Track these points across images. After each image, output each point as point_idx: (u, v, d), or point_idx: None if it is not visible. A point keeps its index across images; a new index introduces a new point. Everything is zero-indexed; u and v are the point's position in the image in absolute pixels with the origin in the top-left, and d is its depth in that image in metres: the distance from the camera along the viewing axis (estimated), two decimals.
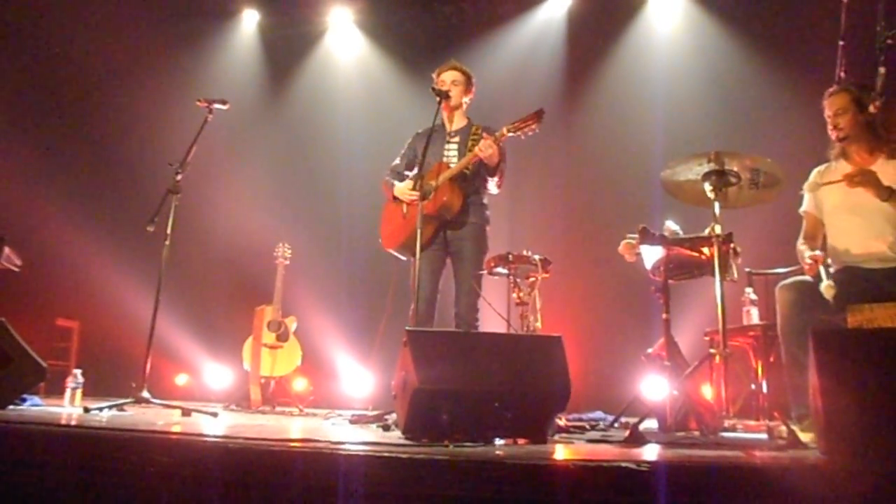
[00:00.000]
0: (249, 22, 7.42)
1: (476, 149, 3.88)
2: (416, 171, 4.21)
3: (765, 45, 5.94)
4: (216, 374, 6.40)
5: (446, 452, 2.03)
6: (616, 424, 4.05)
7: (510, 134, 3.87)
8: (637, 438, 2.87)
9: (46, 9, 6.42)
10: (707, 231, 3.36)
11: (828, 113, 3.31)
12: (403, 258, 4.19)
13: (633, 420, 3.09)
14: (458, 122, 4.22)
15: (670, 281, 3.72)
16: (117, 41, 6.53)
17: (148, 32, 6.66)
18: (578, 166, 6.30)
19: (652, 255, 3.72)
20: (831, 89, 3.35)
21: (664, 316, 3.64)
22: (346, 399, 5.92)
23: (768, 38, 5.95)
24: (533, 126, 3.82)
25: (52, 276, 6.25)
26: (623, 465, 1.89)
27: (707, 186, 3.16)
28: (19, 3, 6.36)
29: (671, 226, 3.73)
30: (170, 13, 6.93)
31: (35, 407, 3.82)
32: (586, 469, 1.87)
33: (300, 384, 5.66)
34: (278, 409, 5.17)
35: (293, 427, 3.41)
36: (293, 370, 5.52)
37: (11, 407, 3.46)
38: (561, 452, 2.35)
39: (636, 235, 3.61)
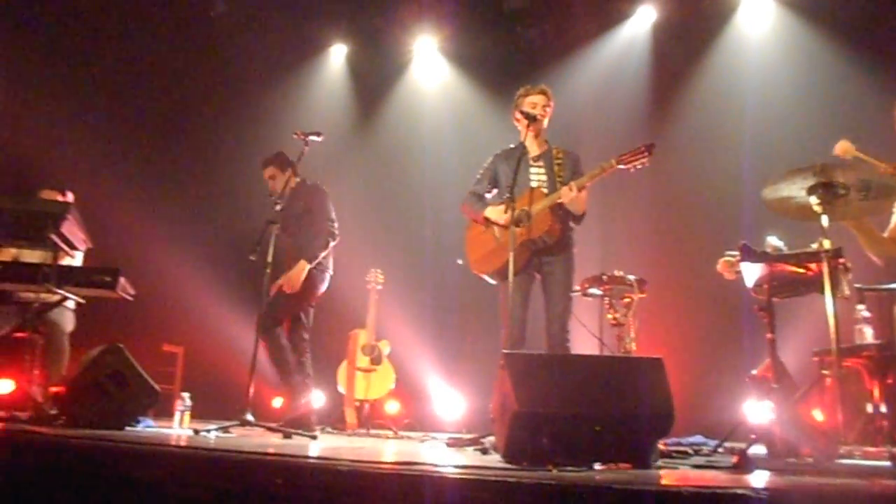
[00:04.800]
0: (338, 56, 7.69)
1: (562, 193, 3.86)
2: (496, 192, 4.24)
3: (860, 48, 5.66)
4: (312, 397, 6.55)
5: (552, 477, 2.01)
6: (720, 449, 3.89)
7: (619, 166, 3.81)
8: (747, 464, 2.75)
9: (157, 45, 6.85)
10: (814, 246, 3.21)
11: None
12: (494, 282, 4.18)
13: (737, 445, 2.96)
14: (541, 145, 4.21)
15: (774, 299, 3.56)
16: (220, 76, 6.89)
17: (248, 67, 6.99)
18: (670, 183, 6.16)
19: (753, 272, 3.57)
20: None
21: (769, 336, 3.48)
22: (439, 422, 5.94)
23: (863, 40, 5.66)
24: (643, 159, 3.74)
25: (159, 303, 6.58)
26: (738, 491, 1.81)
27: (814, 200, 3.03)
28: (134, 38, 6.80)
29: (773, 241, 3.58)
30: (266, 50, 7.26)
31: (148, 428, 4.02)
32: (699, 496, 1.80)
33: (393, 407, 5.73)
34: (373, 431, 5.25)
35: (392, 450, 3.46)
36: (386, 393, 5.59)
37: (128, 428, 3.66)
38: (670, 478, 2.28)
39: (736, 252, 3.49)
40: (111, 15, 6.79)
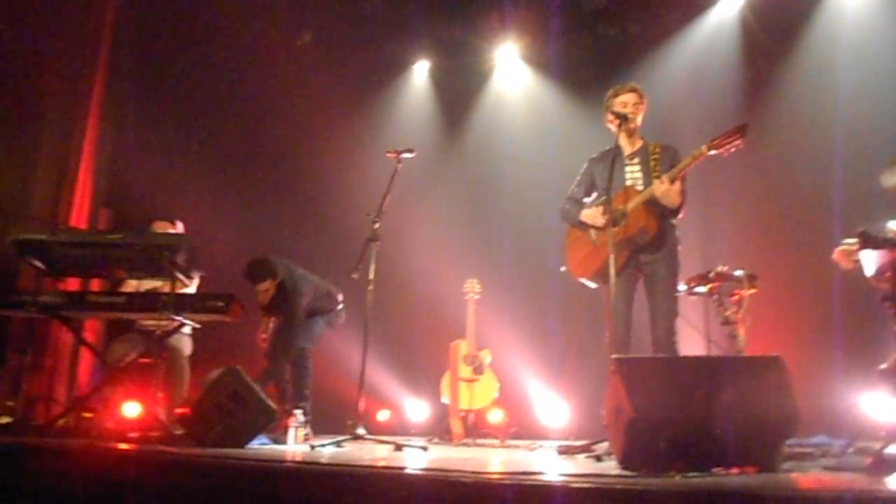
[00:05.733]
0: (421, 72, 7.80)
1: (654, 187, 3.78)
2: (594, 196, 4.19)
3: None
4: (415, 408, 6.66)
5: (680, 484, 1.96)
6: (850, 450, 3.67)
7: (711, 152, 3.69)
8: (883, 466, 2.59)
9: (249, 79, 7.16)
10: None
11: None
12: (594, 285, 4.12)
13: (867, 446, 2.80)
14: (635, 143, 4.12)
15: None
16: (311, 104, 7.12)
17: (337, 93, 7.20)
18: (773, 171, 5.88)
19: (875, 260, 3.37)
20: None
21: None
22: (544, 429, 5.88)
23: None
24: (737, 142, 3.61)
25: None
26: (881, 495, 1.71)
27: None
28: (219, 65, 7.13)
29: (895, 227, 3.37)
30: (353, 74, 7.47)
31: (264, 445, 4.16)
32: (839, 501, 1.72)
33: (496, 416, 5.71)
34: (479, 441, 5.26)
35: (504, 459, 3.46)
36: (490, 402, 5.60)
37: (248, 446, 3.81)
38: (806, 482, 2.18)
39: (853, 240, 3.31)
40: (204, 53, 7.14)
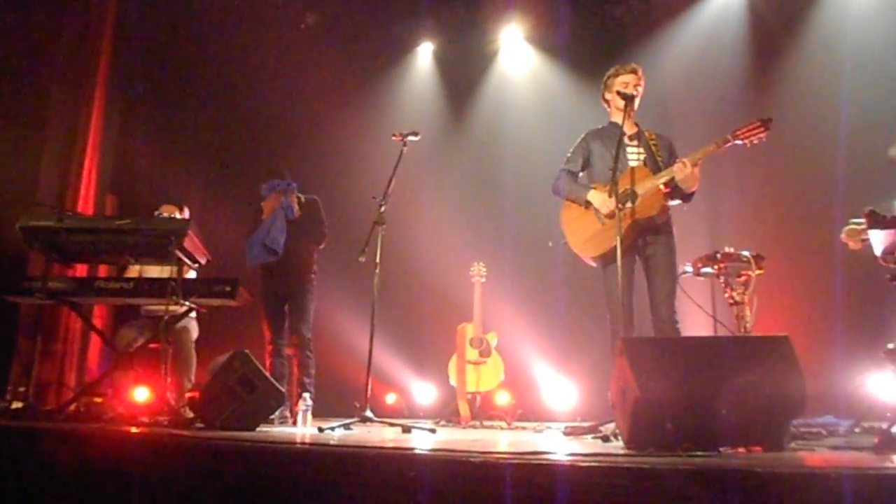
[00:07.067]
0: (425, 54, 7.75)
1: (675, 170, 3.76)
2: (586, 172, 4.15)
3: None
4: (422, 391, 6.69)
5: (688, 462, 1.97)
6: (857, 430, 3.69)
7: (736, 142, 3.70)
8: (890, 444, 2.60)
9: (253, 63, 7.14)
10: None
11: None
12: (594, 265, 4.09)
13: (874, 425, 2.80)
14: (632, 126, 4.09)
15: None
16: (316, 87, 7.10)
17: (342, 76, 7.17)
18: (779, 155, 5.83)
19: (883, 239, 3.36)
20: None
21: None
22: (550, 411, 5.91)
23: None
24: (760, 135, 3.64)
25: None
26: (892, 473, 1.72)
27: None
28: (223, 49, 7.11)
29: None
30: (357, 57, 7.43)
31: (276, 429, 4.19)
32: (848, 478, 1.72)
33: (504, 398, 5.73)
34: (486, 423, 5.28)
35: (512, 440, 3.47)
36: (497, 385, 5.62)
37: (259, 429, 3.84)
38: (813, 461, 2.19)
39: (861, 220, 3.30)
40: (208, 38, 7.12)
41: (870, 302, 4.73)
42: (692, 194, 3.92)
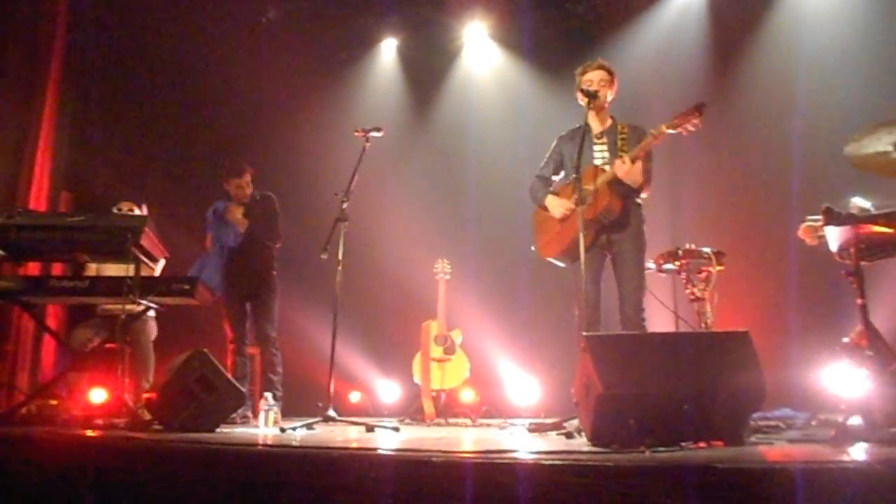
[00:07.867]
0: (389, 50, 7.69)
1: (615, 167, 3.79)
2: (562, 175, 4.21)
3: None
4: (387, 389, 6.66)
5: (649, 458, 1.98)
6: (813, 422, 3.76)
7: (670, 131, 3.72)
8: (846, 436, 2.65)
9: (212, 56, 6.99)
10: None
11: None
12: (562, 265, 4.14)
13: (830, 417, 2.86)
14: (604, 121, 4.13)
15: (863, 263, 3.41)
16: (276, 81, 7.00)
17: (303, 70, 7.08)
18: (738, 151, 5.95)
19: (838, 236, 3.42)
20: None
21: (860, 301, 3.32)
22: (515, 408, 5.93)
23: None
24: (695, 121, 3.66)
25: None
26: (847, 465, 1.75)
27: None
28: (181, 43, 6.94)
29: (859, 202, 3.41)
30: (319, 51, 7.35)
31: (237, 430, 4.12)
32: (807, 472, 1.74)
33: (469, 395, 5.73)
34: (451, 420, 5.27)
35: (476, 438, 3.46)
36: (462, 382, 5.61)
37: (219, 430, 3.77)
38: (773, 454, 2.21)
39: (818, 217, 3.36)
40: (166, 31, 6.95)
41: (826, 297, 4.82)
42: (641, 189, 3.95)
